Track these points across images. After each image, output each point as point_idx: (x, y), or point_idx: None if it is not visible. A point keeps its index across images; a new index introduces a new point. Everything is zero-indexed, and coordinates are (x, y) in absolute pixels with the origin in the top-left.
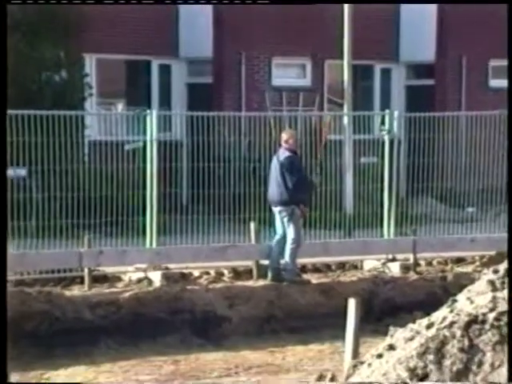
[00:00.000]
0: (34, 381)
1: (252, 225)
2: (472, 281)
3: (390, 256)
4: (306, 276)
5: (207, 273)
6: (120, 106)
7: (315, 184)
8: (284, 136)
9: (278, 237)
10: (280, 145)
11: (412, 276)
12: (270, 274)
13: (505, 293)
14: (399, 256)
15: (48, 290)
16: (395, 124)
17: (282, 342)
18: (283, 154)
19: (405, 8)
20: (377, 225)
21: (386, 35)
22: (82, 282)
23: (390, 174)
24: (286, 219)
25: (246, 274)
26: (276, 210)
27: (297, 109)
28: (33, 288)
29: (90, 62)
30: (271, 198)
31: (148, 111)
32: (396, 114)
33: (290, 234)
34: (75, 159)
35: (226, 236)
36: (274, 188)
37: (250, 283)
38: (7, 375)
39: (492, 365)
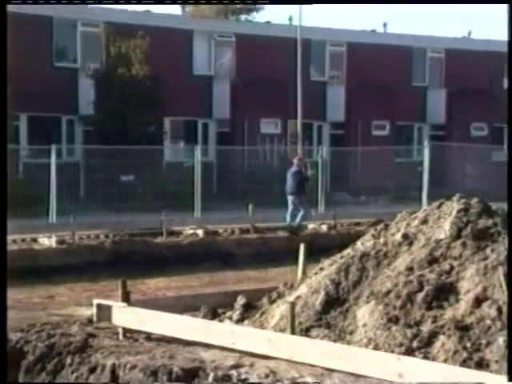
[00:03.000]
0: (138, 284)
1: (250, 206)
2: (364, 234)
3: (322, 221)
4: (280, 232)
5: (226, 230)
6: (181, 144)
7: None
8: (294, 160)
9: (289, 211)
10: (292, 163)
11: (333, 232)
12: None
13: (380, 240)
14: (326, 221)
15: (144, 238)
16: (325, 153)
17: (266, 266)
18: (293, 168)
19: (329, 89)
20: (315, 205)
21: (320, 105)
22: (161, 234)
23: (321, 179)
24: (297, 202)
25: (247, 231)
26: (290, 197)
27: (273, 146)
28: (136, 237)
29: (166, 121)
30: (288, 191)
31: (195, 146)
32: (325, 148)
33: (301, 210)
34: (158, 171)
35: (237, 211)
36: (289, 186)
37: (249, 236)
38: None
39: (373, 277)
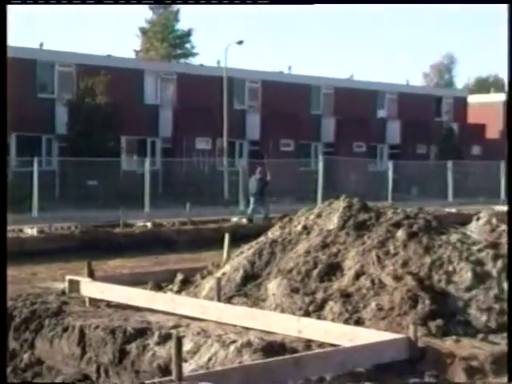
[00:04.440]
0: (101, 264)
1: (187, 204)
2: (273, 226)
3: (242, 216)
4: (210, 224)
5: (169, 223)
6: (135, 156)
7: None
8: (257, 169)
9: (251, 207)
10: (254, 173)
11: (251, 224)
12: (248, 220)
13: (286, 230)
14: (246, 216)
15: (106, 229)
16: (245, 164)
17: (200, 250)
18: (257, 176)
19: (248, 116)
20: (236, 204)
21: (241, 127)
22: (119, 226)
23: (242, 184)
24: (257, 199)
25: (185, 223)
26: (252, 197)
27: (205, 158)
28: (99, 228)
29: (123, 139)
30: (251, 193)
31: (145, 159)
32: (245, 160)
33: (258, 205)
34: (116, 177)
35: (177, 208)
36: (253, 188)
37: (186, 227)
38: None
39: (280, 258)
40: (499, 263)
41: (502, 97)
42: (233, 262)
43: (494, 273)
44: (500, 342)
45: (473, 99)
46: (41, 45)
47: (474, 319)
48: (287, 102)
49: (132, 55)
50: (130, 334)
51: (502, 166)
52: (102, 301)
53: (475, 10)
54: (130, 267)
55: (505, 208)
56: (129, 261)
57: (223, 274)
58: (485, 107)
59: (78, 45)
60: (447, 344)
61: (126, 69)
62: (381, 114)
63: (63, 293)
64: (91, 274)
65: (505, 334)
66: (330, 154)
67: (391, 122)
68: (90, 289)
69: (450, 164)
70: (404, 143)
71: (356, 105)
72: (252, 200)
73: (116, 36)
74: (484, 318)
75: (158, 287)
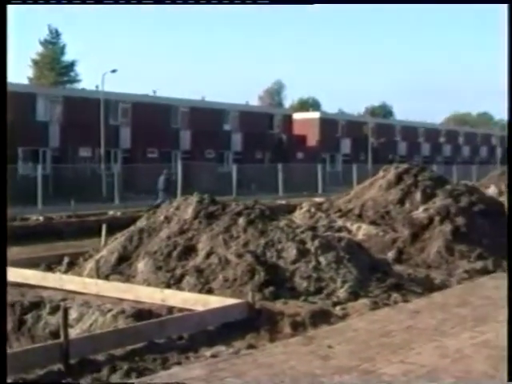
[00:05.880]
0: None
1: (72, 201)
2: (142, 217)
3: (117, 210)
4: (91, 217)
5: (57, 217)
6: (29, 163)
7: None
8: (164, 171)
9: (159, 200)
10: (162, 173)
11: (124, 216)
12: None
13: (151, 220)
14: (120, 210)
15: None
16: (119, 168)
17: (83, 238)
18: (165, 176)
19: (121, 129)
20: (112, 201)
21: (115, 139)
22: (16, 220)
23: (117, 184)
24: (165, 195)
25: (71, 217)
26: (161, 192)
27: (87, 164)
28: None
29: (19, 150)
30: (160, 189)
31: (38, 165)
32: (118, 165)
33: (164, 198)
34: (14, 180)
35: (64, 205)
36: (161, 186)
37: (72, 220)
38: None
39: (147, 243)
40: (316, 242)
41: (317, 114)
42: (109, 247)
43: (313, 249)
44: (317, 302)
45: (297, 116)
46: None
47: (298, 285)
48: (152, 118)
49: (26, 81)
50: (27, 307)
51: (319, 167)
52: None
53: (299, 45)
54: (26, 253)
55: (321, 199)
56: (25, 248)
57: (101, 256)
58: (305, 122)
59: None
60: (278, 305)
61: (22, 92)
62: (226, 127)
63: None
64: None
65: (321, 295)
66: (187, 160)
67: (235, 134)
68: None
69: (280, 166)
70: (245, 150)
71: (207, 120)
72: (160, 194)
73: (13, 65)
74: (305, 284)
75: (49, 268)
